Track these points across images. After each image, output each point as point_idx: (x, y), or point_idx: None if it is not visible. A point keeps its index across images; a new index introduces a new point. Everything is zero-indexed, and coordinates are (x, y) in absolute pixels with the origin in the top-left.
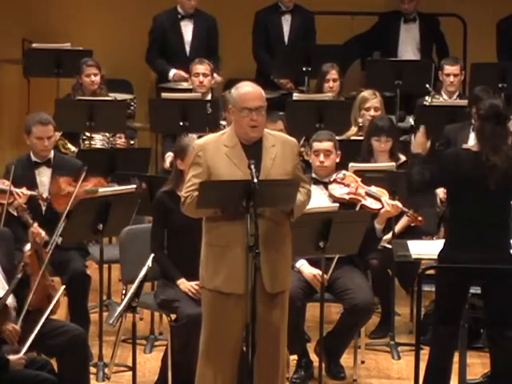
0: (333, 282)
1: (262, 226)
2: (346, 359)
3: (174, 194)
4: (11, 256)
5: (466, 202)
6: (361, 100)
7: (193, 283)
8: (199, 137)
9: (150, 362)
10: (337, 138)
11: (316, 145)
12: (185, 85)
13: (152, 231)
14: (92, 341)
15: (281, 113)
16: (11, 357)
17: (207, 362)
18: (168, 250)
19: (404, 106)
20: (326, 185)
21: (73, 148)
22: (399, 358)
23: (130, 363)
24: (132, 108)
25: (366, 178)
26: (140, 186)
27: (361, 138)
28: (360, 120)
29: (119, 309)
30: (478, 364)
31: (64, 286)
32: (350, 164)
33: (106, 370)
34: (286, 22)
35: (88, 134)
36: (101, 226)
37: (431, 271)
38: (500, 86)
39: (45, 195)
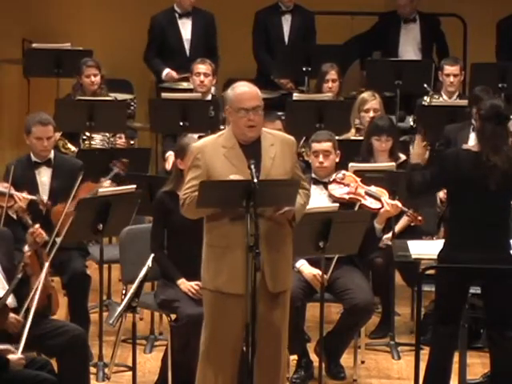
0: (333, 282)
1: (262, 226)
2: (346, 359)
3: (175, 194)
4: (11, 256)
5: (466, 202)
6: (360, 101)
7: (193, 283)
8: (199, 137)
9: (150, 361)
10: (336, 138)
11: (315, 145)
12: (185, 85)
13: (152, 231)
14: (92, 341)
15: (279, 113)
16: (11, 357)
17: (208, 362)
18: (168, 250)
19: (404, 106)
20: (325, 185)
21: (73, 148)
22: (399, 358)
23: (130, 363)
24: (132, 108)
25: (366, 177)
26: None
27: (360, 138)
28: (357, 121)
29: (119, 309)
30: (478, 364)
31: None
32: (350, 164)
33: (106, 370)
34: (286, 22)
35: (88, 134)
36: (101, 226)
37: (431, 271)
38: (500, 86)
39: (45, 197)
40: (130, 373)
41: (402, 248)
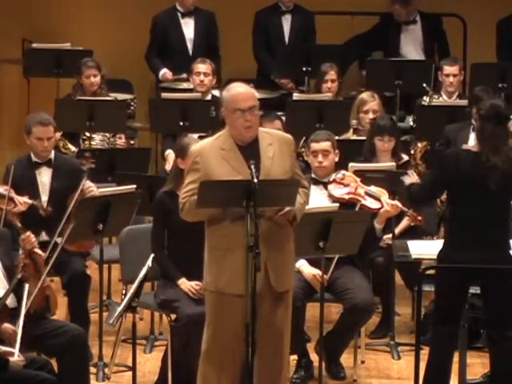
0: (333, 282)
1: (264, 226)
2: (346, 359)
3: (175, 194)
4: (11, 255)
5: (466, 202)
6: (359, 102)
7: (193, 283)
8: (199, 137)
9: (150, 361)
10: (336, 138)
11: (314, 145)
12: (185, 85)
13: (152, 232)
14: (92, 341)
15: (279, 113)
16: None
17: (209, 362)
18: (168, 250)
19: (404, 106)
20: (325, 185)
21: (73, 148)
22: (399, 358)
23: (130, 363)
24: (132, 108)
25: (366, 177)
26: None
27: (359, 138)
28: (354, 122)
29: (119, 309)
30: (478, 364)
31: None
32: (350, 164)
33: (106, 370)
34: (287, 22)
35: (88, 134)
36: (101, 226)
37: (431, 271)
38: (500, 86)
39: (44, 198)
40: (130, 373)
41: (402, 248)
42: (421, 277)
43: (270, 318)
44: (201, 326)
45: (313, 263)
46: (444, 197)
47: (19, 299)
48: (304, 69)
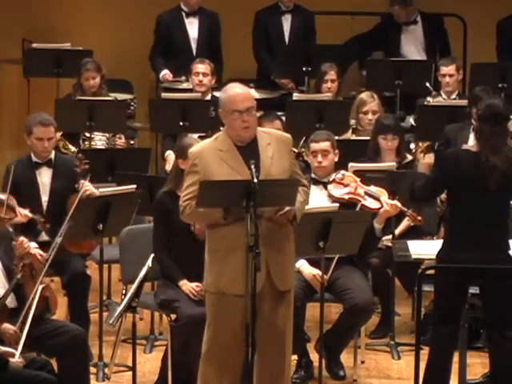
0: (333, 282)
1: (264, 226)
2: (346, 359)
3: (175, 195)
4: (11, 255)
5: (466, 202)
6: (359, 103)
7: (193, 284)
8: (199, 137)
9: (150, 361)
10: (336, 138)
11: (313, 145)
12: (185, 85)
13: (154, 232)
14: (92, 341)
15: (279, 113)
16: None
17: (210, 362)
18: (168, 250)
19: (404, 106)
20: (325, 185)
21: (73, 148)
22: (399, 358)
23: (130, 363)
24: (132, 108)
25: (366, 177)
26: None
27: (359, 138)
28: (353, 122)
29: (119, 309)
30: (478, 364)
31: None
32: (350, 164)
33: (106, 370)
34: (287, 22)
35: (88, 134)
36: (101, 226)
37: (431, 271)
38: (500, 85)
39: (45, 199)
40: (130, 373)
41: (402, 248)
42: (421, 277)
43: (271, 317)
44: (201, 327)
45: (313, 263)
46: (444, 196)
47: (19, 299)
48: (304, 69)
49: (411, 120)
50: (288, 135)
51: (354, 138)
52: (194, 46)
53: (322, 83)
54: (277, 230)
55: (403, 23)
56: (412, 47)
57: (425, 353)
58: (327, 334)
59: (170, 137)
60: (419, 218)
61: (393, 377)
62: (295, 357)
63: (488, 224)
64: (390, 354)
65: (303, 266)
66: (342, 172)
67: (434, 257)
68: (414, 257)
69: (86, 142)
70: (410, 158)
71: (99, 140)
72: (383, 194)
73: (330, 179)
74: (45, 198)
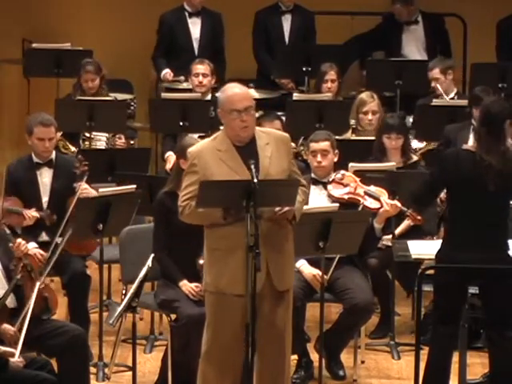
0: (333, 282)
1: (263, 226)
2: (346, 359)
3: (175, 195)
4: (11, 255)
5: (466, 202)
6: (359, 103)
7: (193, 285)
8: (199, 136)
9: (150, 361)
10: (336, 138)
11: (313, 145)
12: (184, 85)
13: (154, 232)
14: (92, 341)
15: (279, 113)
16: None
17: (210, 362)
18: (169, 250)
19: (404, 106)
20: (325, 185)
21: (73, 148)
22: (399, 358)
23: (130, 363)
24: (132, 108)
25: (366, 177)
26: None
27: (358, 138)
28: (352, 122)
29: (119, 309)
30: (478, 364)
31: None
32: (350, 164)
33: (106, 370)
34: (287, 22)
35: (87, 134)
36: (101, 226)
37: (431, 271)
38: (500, 85)
39: (45, 199)
40: (130, 373)
41: (402, 248)
42: (421, 277)
43: (270, 317)
44: (201, 327)
45: (313, 263)
46: (444, 196)
47: (19, 300)
48: (304, 69)
49: (411, 120)
50: (286, 135)
51: (354, 138)
52: (195, 46)
53: (322, 83)
54: (276, 230)
55: (404, 23)
56: (413, 47)
57: (425, 353)
58: (327, 334)
59: (170, 137)
60: (419, 217)
61: (393, 377)
62: (295, 357)
63: (487, 224)
64: (389, 354)
65: (303, 265)
66: (342, 172)
67: (434, 257)
68: (414, 257)
69: (86, 142)
70: (415, 158)
71: (98, 140)
72: (383, 194)
73: (330, 179)
74: (45, 199)
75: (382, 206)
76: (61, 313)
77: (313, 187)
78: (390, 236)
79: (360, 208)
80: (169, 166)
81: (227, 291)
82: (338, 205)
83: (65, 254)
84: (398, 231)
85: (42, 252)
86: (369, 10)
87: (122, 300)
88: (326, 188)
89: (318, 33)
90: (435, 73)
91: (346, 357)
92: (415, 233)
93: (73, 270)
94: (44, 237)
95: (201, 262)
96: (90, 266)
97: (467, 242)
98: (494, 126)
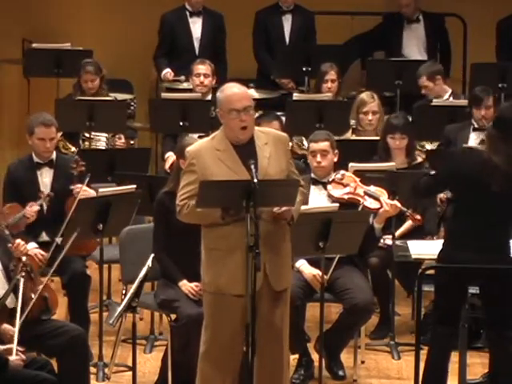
0: (333, 282)
1: (261, 227)
2: (346, 359)
3: (175, 195)
4: (9, 255)
5: (469, 202)
6: (359, 103)
7: (193, 284)
8: (199, 136)
9: (150, 361)
10: (336, 138)
11: (312, 145)
12: (185, 85)
13: (154, 232)
14: (92, 341)
15: (279, 113)
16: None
17: (209, 362)
18: (168, 250)
19: (404, 106)
20: (324, 185)
21: (73, 148)
22: (399, 358)
23: (130, 363)
24: (132, 108)
25: (366, 177)
26: None
27: (359, 138)
28: (353, 122)
29: (119, 309)
30: (478, 364)
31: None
32: (350, 164)
33: (106, 370)
34: (287, 22)
35: (87, 134)
36: (101, 225)
37: (431, 271)
38: (500, 85)
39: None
40: (130, 373)
41: (402, 248)
42: (421, 277)
43: (269, 317)
44: (201, 326)
45: (313, 263)
46: (444, 196)
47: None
48: (304, 69)
49: (410, 120)
50: (285, 135)
51: (354, 138)
52: (196, 45)
53: (322, 83)
54: (274, 230)
55: (406, 20)
56: (413, 47)
57: (425, 353)
58: (327, 334)
59: (170, 137)
60: (418, 217)
61: (393, 377)
62: (296, 356)
63: (489, 225)
64: (390, 354)
65: (303, 265)
66: (342, 172)
67: (434, 257)
68: (414, 257)
69: (86, 142)
70: (420, 159)
71: (98, 140)
72: (383, 194)
73: (330, 179)
74: (45, 191)
75: (381, 206)
76: (61, 313)
77: (313, 187)
78: (390, 236)
79: (360, 208)
80: (167, 166)
81: (226, 291)
82: (337, 205)
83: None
84: (399, 232)
85: (42, 252)
86: (369, 10)
87: (122, 300)
88: (325, 188)
89: (318, 33)
90: (423, 81)
91: (346, 357)
92: (415, 233)
93: (73, 269)
94: (44, 237)
95: None
96: (90, 266)
97: (469, 242)
98: (506, 129)
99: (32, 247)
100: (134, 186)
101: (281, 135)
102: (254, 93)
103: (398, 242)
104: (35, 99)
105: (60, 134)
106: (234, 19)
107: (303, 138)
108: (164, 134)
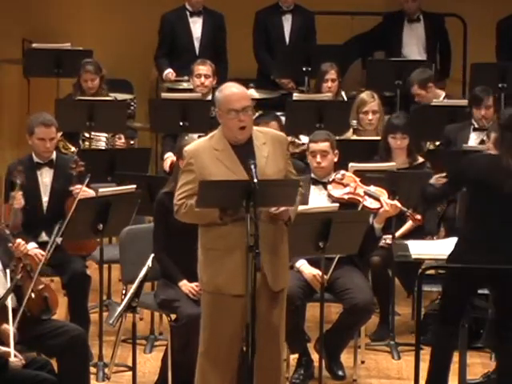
0: (332, 282)
1: (259, 227)
2: (346, 359)
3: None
4: (10, 255)
5: (482, 206)
6: (359, 103)
7: (193, 284)
8: (199, 136)
9: (150, 361)
10: (336, 138)
11: (312, 146)
12: (185, 85)
13: (154, 232)
14: (92, 341)
15: (279, 113)
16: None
17: (208, 362)
18: (168, 250)
19: (404, 106)
20: (325, 185)
21: (73, 148)
22: (399, 358)
23: (130, 363)
24: (132, 108)
25: (366, 177)
26: None
27: (359, 138)
28: (354, 122)
29: (119, 309)
30: (478, 364)
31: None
32: (350, 164)
33: (106, 370)
34: (287, 22)
35: (87, 134)
36: (101, 225)
37: (431, 271)
38: (500, 85)
39: (45, 199)
40: (130, 373)
41: (402, 248)
42: (421, 277)
43: (267, 317)
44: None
45: (313, 263)
46: None
47: (18, 300)
48: (304, 69)
49: None
50: (283, 134)
51: (354, 137)
52: (197, 45)
53: (323, 82)
54: (272, 230)
55: (407, 19)
56: (413, 46)
57: (425, 353)
58: (327, 334)
59: (170, 137)
60: (418, 217)
61: (393, 377)
62: (296, 356)
63: (502, 227)
64: (390, 354)
65: (303, 265)
66: (342, 172)
67: (434, 257)
68: (414, 257)
69: (86, 142)
70: (421, 159)
71: (98, 140)
72: (383, 194)
73: (330, 179)
74: (45, 199)
75: (381, 206)
76: (61, 313)
77: (313, 187)
78: (390, 236)
79: (360, 208)
80: (166, 167)
81: (225, 291)
82: (337, 205)
83: (65, 254)
84: (400, 233)
85: (42, 252)
86: (369, 10)
87: (122, 300)
88: (325, 188)
89: (318, 33)
90: (415, 89)
91: (345, 357)
92: (415, 233)
93: (73, 269)
94: (44, 237)
95: None
96: (90, 266)
97: (481, 243)
98: None
99: (32, 247)
100: (134, 186)
101: (279, 135)
102: (254, 93)
103: (397, 241)
104: (35, 99)
105: (60, 134)
106: (234, 19)
107: (300, 138)
108: (164, 134)
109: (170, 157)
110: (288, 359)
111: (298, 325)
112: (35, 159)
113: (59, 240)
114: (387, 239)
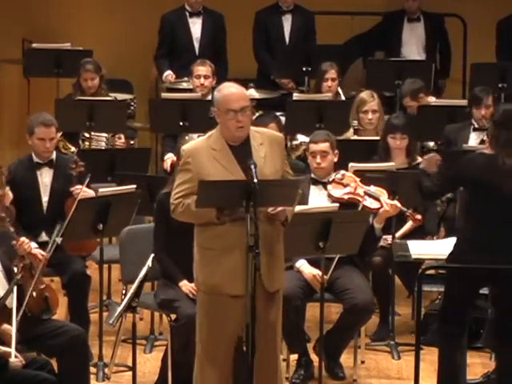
0: (332, 282)
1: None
2: (346, 359)
3: None
4: (10, 255)
5: (480, 205)
6: (359, 102)
7: (193, 285)
8: (199, 136)
9: (150, 361)
10: (337, 138)
11: (312, 146)
12: (185, 85)
13: (154, 232)
14: (92, 341)
15: (279, 113)
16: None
17: (207, 362)
18: (169, 250)
19: (404, 106)
20: (324, 185)
21: (73, 148)
22: (399, 358)
23: (130, 363)
24: (132, 108)
25: (366, 177)
26: None
27: (359, 138)
28: (355, 123)
29: (119, 309)
30: (478, 364)
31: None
32: (350, 164)
33: (106, 370)
34: (287, 22)
35: (87, 134)
36: (101, 225)
37: (431, 271)
38: (500, 85)
39: (45, 199)
40: (130, 373)
41: (402, 248)
42: (421, 277)
43: (264, 317)
44: None
45: (313, 263)
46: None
47: (19, 300)
48: (304, 69)
49: None
50: (280, 135)
51: (355, 137)
52: (196, 45)
53: (323, 82)
54: (268, 231)
55: (408, 18)
56: (413, 46)
57: (425, 353)
58: (327, 335)
59: (170, 137)
60: (419, 217)
61: (393, 377)
62: (295, 356)
63: (501, 227)
64: (390, 354)
65: (303, 265)
66: (342, 172)
67: (434, 257)
68: (414, 257)
69: (86, 142)
70: (420, 159)
71: (98, 140)
72: (383, 194)
73: (330, 179)
74: (45, 199)
75: (381, 206)
76: (61, 313)
77: (313, 187)
78: (391, 236)
79: (360, 208)
80: (166, 167)
81: (223, 291)
82: (337, 205)
83: (65, 254)
84: (400, 233)
85: (42, 252)
86: (369, 10)
87: (122, 300)
88: (325, 188)
89: (318, 33)
90: (407, 101)
91: (345, 357)
92: (415, 233)
93: (73, 270)
94: (44, 237)
95: None
96: (90, 266)
97: (480, 244)
98: None
99: (33, 247)
100: (134, 186)
101: (276, 135)
102: (254, 93)
103: (397, 241)
104: (35, 99)
105: (60, 133)
106: (234, 19)
107: (297, 137)
108: (164, 134)
109: (170, 157)
110: (288, 359)
111: (298, 325)
112: (35, 159)
113: (59, 240)
114: (387, 239)
